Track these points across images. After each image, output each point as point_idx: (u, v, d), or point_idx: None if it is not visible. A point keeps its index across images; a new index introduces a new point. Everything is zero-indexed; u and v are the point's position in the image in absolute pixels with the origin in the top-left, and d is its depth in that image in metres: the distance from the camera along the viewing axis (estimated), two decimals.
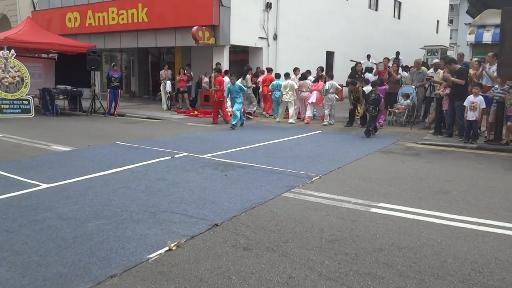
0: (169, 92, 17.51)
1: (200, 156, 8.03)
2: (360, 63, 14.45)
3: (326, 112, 13.43)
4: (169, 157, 7.86)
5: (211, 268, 3.54)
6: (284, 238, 4.17)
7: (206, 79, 17.87)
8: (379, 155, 8.64)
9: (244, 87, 13.01)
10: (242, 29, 17.08)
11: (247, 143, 9.63)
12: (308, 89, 13.99)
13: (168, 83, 17.43)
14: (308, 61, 17.57)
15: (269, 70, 15.51)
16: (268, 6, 18.32)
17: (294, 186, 6.04)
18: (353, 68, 14.43)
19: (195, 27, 15.56)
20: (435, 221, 4.70)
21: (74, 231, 4.25)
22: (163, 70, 17.84)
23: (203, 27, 15.83)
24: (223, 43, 16.54)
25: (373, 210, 5.07)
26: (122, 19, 18.75)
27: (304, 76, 14.19)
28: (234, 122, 12.30)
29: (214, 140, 10.28)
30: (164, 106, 17.39)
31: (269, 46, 18.65)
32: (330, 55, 22.82)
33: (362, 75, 13.83)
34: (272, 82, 15.07)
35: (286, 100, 13.79)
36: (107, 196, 5.40)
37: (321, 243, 4.07)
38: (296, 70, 14.47)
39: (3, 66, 14.08)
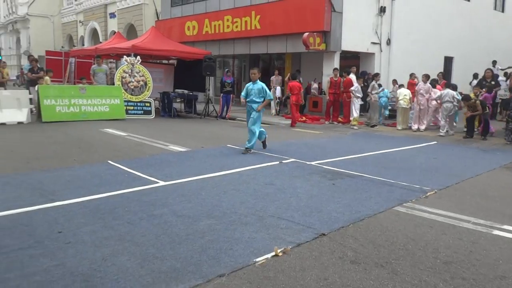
0: (279, 97, 17.77)
1: (308, 162, 8.00)
2: (490, 69, 13.40)
3: (442, 122, 12.72)
4: (277, 162, 7.94)
5: (317, 278, 3.47)
6: (394, 255, 3.96)
7: (315, 85, 17.85)
8: (503, 171, 7.87)
9: (268, 91, 9.12)
10: (354, 34, 16.74)
11: (356, 151, 9.38)
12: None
13: (278, 88, 17.69)
14: (424, 67, 16.62)
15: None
16: (382, 10, 17.74)
17: (406, 200, 5.73)
18: (475, 75, 13.42)
19: (306, 33, 15.60)
20: None
21: (187, 228, 4.46)
22: (274, 76, 18.15)
23: (314, 33, 15.82)
24: (334, 49, 16.36)
25: (496, 232, 4.61)
26: (236, 26, 19.49)
27: (434, 84, 13.63)
28: (249, 145, 8.95)
29: (322, 146, 10.19)
30: (273, 111, 17.68)
31: (381, 51, 18.05)
32: (448, 61, 21.41)
33: (492, 83, 12.78)
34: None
35: (403, 106, 13.74)
36: (218, 197, 5.60)
37: (435, 264, 3.79)
38: (424, 76, 13.77)
39: (129, 71, 15.41)
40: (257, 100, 8.94)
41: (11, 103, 12.74)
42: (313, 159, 8.31)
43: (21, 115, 12.84)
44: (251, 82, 9.13)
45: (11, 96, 13.03)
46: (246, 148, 8.95)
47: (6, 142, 9.49)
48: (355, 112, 14.13)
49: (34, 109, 13.85)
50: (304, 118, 15.75)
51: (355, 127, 13.90)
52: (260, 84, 9.02)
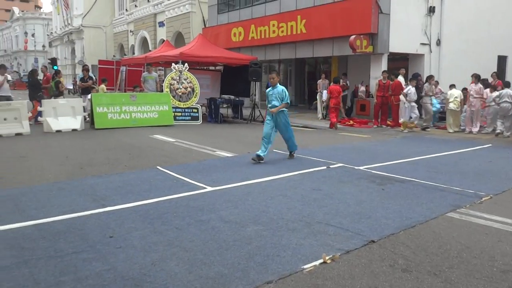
0: (325, 101, 17.58)
1: (356, 167, 7.85)
2: None
3: (499, 122, 12.23)
4: (324, 167, 7.84)
5: (367, 286, 3.38)
6: (448, 263, 3.80)
7: (362, 88, 17.55)
8: None
9: (287, 94, 8.64)
10: (402, 35, 16.33)
11: (406, 155, 9.12)
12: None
13: (325, 92, 17.50)
14: (476, 67, 15.94)
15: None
16: (432, 10, 17.23)
17: (460, 205, 5.50)
18: None
19: (353, 36, 15.38)
20: None
21: (234, 234, 4.47)
22: (320, 80, 17.99)
23: (361, 36, 15.57)
24: (381, 51, 16.03)
25: None
26: (282, 31, 19.50)
27: (486, 84, 13.13)
28: (291, 149, 8.98)
29: (370, 151, 9.98)
30: (319, 115, 17.53)
31: (431, 52, 17.50)
32: (502, 60, 20.46)
33: None
34: None
35: (453, 108, 13.29)
36: (265, 203, 5.58)
37: (492, 273, 3.61)
38: (474, 77, 13.20)
39: (177, 78, 15.76)
40: (278, 104, 8.54)
41: (66, 111, 13.35)
42: (361, 163, 8.15)
43: (76, 122, 13.41)
44: (270, 88, 8.75)
45: (67, 104, 13.66)
46: (290, 153, 8.93)
47: (62, 149, 9.93)
48: (405, 116, 13.68)
49: (87, 116, 14.44)
50: (351, 122, 15.51)
51: (404, 131, 13.51)
52: (280, 88, 8.66)
